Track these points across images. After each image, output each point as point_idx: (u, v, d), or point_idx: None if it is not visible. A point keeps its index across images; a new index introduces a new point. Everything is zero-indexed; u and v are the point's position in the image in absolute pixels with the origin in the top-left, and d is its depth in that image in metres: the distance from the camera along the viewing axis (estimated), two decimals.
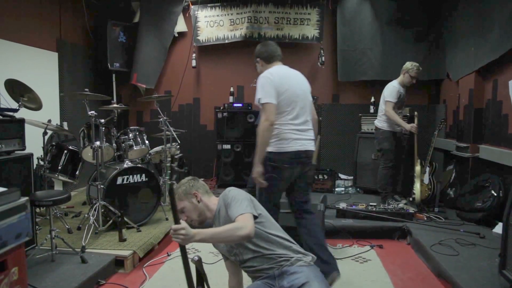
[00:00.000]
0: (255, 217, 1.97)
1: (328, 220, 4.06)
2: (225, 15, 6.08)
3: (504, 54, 3.93)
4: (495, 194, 3.87)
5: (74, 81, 5.64)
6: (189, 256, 1.85)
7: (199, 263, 1.89)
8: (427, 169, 4.80)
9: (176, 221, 1.77)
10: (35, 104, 3.64)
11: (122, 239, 3.51)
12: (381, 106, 4.73)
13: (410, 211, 4.22)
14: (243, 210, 1.93)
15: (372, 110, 5.77)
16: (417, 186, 4.55)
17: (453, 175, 4.88)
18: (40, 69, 4.98)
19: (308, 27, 5.97)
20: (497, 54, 4.05)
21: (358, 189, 5.61)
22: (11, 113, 3.24)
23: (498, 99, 4.20)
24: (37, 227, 3.33)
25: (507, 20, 3.86)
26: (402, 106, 4.74)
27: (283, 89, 2.74)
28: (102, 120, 3.82)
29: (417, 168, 4.62)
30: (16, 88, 3.54)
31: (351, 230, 4.04)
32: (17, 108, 3.41)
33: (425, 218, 4.19)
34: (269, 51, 2.94)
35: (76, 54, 5.81)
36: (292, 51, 6.14)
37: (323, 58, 5.96)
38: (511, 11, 3.80)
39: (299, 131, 2.80)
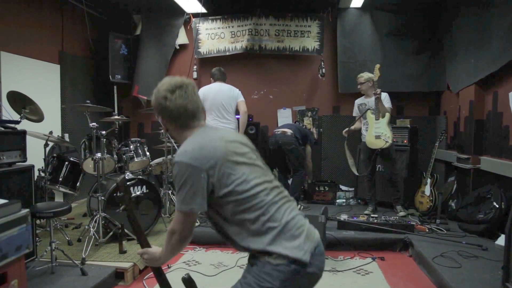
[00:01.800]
0: (202, 211, 1.56)
1: (329, 232, 4.04)
2: (226, 27, 6.14)
3: (504, 65, 3.95)
4: (497, 206, 3.85)
5: (75, 93, 5.68)
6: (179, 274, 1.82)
7: (188, 282, 1.66)
8: (428, 180, 4.79)
9: (142, 246, 1.81)
10: (37, 116, 3.67)
11: (122, 251, 3.49)
12: None
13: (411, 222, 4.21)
14: (177, 206, 1.57)
15: None
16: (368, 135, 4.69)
17: (455, 186, 4.86)
18: (42, 81, 5.02)
19: (309, 39, 6.01)
20: (497, 65, 4.07)
21: (359, 200, 5.59)
22: (13, 125, 3.26)
23: (499, 110, 4.21)
24: (37, 239, 3.31)
25: (506, 32, 3.89)
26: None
27: (205, 98, 4.55)
28: (103, 132, 3.83)
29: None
30: (18, 100, 3.56)
31: (353, 242, 4.02)
32: (19, 120, 3.43)
33: (427, 230, 4.16)
34: (213, 74, 4.86)
35: (78, 66, 5.86)
36: (292, 63, 6.17)
37: (323, 70, 5.99)
38: (511, 23, 3.83)
39: (215, 121, 4.56)
